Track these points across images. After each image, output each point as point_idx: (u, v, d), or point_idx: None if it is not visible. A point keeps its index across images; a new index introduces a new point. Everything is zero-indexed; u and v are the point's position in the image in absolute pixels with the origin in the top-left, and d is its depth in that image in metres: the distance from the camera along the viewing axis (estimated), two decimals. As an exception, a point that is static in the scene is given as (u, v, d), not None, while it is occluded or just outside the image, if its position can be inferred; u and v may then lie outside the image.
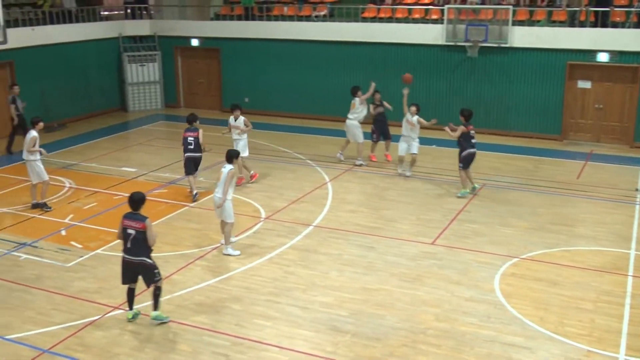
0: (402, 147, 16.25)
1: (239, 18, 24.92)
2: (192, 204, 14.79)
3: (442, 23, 20.97)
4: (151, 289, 9.58)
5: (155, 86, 25.65)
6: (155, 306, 9.66)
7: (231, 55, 24.58)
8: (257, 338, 9.39)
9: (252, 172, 16.28)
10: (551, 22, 20.62)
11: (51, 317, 10.03)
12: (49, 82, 22.35)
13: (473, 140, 14.84)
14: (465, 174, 14.97)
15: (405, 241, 12.75)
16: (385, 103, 17.52)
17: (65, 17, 23.43)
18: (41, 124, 14.63)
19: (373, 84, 17.33)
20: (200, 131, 15.00)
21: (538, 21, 20.76)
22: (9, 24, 19.51)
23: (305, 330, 9.59)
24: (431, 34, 21.23)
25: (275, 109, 23.99)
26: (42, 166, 14.49)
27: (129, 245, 9.35)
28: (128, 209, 9.51)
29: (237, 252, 12.08)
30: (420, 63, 21.57)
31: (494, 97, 20.87)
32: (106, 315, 10.05)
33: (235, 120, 15.81)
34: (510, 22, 20.07)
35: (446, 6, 20.83)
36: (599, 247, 12.43)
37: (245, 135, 15.85)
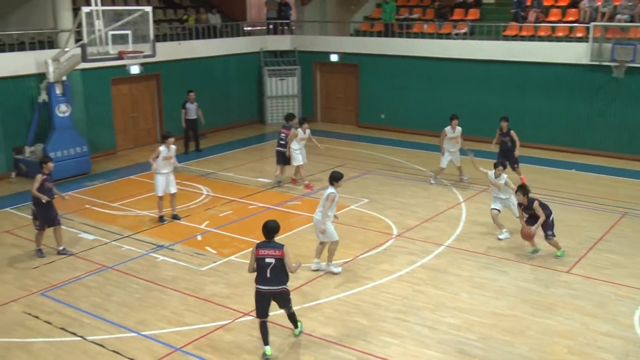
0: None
1: (379, 34, 24.94)
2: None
3: (587, 41, 19.95)
4: (285, 312, 9.53)
5: (293, 100, 26.12)
6: (296, 324, 9.69)
7: (369, 71, 24.63)
8: (383, 355, 9.21)
9: (306, 181, 17.20)
10: None
11: (184, 318, 10.32)
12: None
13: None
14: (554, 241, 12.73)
15: (538, 267, 12.16)
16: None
17: (210, 32, 24.41)
18: (171, 139, 14.25)
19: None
20: (293, 130, 16.75)
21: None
22: (158, 38, 20.50)
23: (432, 351, 9.31)
24: (575, 53, 20.28)
25: (411, 126, 23.75)
26: (160, 181, 14.37)
27: (268, 275, 8.98)
28: (261, 232, 9.14)
29: (339, 270, 11.96)
30: (562, 83, 20.68)
31: (640, 121, 19.68)
32: (236, 320, 10.21)
33: (305, 133, 17.06)
34: (662, 42, 18.80)
35: (592, 24, 19.82)
36: None
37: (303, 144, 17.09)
